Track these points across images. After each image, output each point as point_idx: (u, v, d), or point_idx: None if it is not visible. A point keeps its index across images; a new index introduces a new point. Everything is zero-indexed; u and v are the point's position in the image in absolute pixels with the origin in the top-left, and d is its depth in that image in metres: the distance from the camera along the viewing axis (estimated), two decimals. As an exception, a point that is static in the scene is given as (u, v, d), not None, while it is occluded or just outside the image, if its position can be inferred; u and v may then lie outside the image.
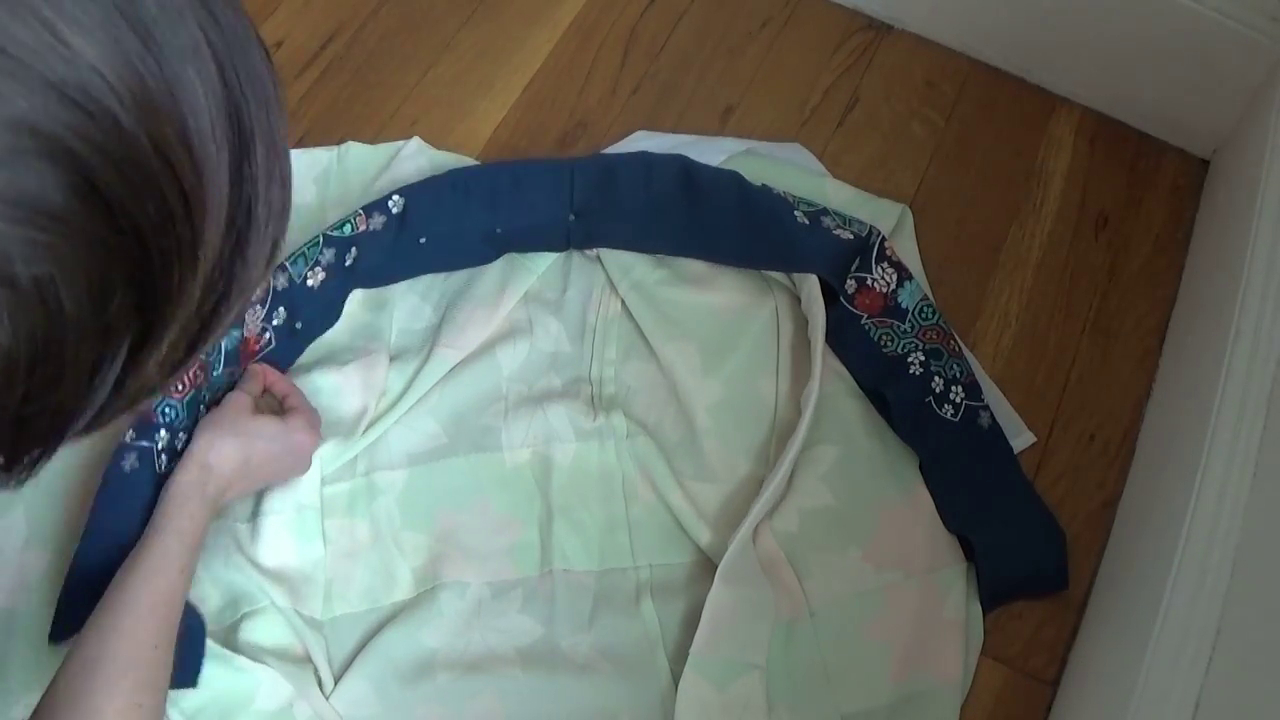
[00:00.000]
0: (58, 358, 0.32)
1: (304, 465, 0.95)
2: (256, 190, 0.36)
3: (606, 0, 1.29)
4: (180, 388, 0.93)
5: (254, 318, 0.98)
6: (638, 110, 1.22)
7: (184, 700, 0.87)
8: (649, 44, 1.27)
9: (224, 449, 0.89)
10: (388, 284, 1.07)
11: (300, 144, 1.17)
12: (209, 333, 0.37)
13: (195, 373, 0.94)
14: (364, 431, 1.00)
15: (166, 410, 0.92)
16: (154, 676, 0.78)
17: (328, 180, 1.14)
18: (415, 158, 1.14)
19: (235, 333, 0.97)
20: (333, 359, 1.03)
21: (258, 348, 0.99)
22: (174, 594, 0.81)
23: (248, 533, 0.95)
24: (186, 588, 0.84)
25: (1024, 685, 0.96)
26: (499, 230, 1.06)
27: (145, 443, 0.91)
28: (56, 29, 0.30)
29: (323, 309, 1.03)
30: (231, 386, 0.96)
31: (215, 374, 0.95)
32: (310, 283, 1.01)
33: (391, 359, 1.04)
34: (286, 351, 1.01)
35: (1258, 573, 0.79)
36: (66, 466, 0.97)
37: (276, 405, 0.97)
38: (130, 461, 0.90)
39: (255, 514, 0.96)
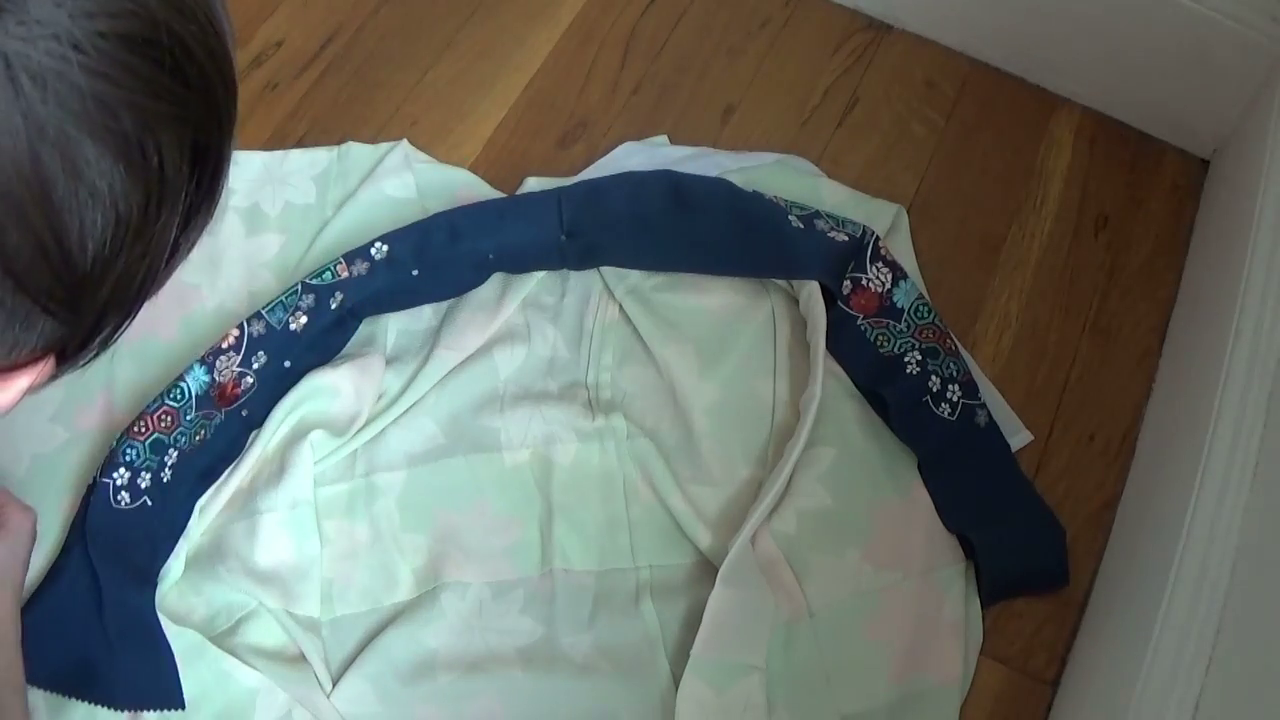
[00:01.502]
0: (156, 220, 0.38)
1: (24, 539, 0.88)
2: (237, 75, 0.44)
3: (606, 0, 1.29)
4: (143, 429, 0.94)
5: (228, 364, 0.98)
6: (638, 110, 1.22)
7: (184, 721, 0.88)
8: (649, 44, 1.27)
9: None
10: (385, 312, 1.06)
11: (300, 144, 1.17)
12: (217, 206, 0.43)
13: (161, 416, 0.95)
14: (360, 430, 1.00)
15: (128, 450, 0.93)
16: None
17: (328, 180, 1.14)
18: (400, 172, 1.13)
19: (204, 377, 0.97)
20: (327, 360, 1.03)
21: (238, 391, 0.98)
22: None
23: (242, 531, 0.95)
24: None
25: (1024, 685, 0.96)
26: (491, 256, 1.05)
27: (104, 479, 0.92)
28: None
29: (311, 346, 1.01)
30: (203, 429, 0.96)
31: (188, 418, 0.96)
32: (293, 327, 1.00)
33: (391, 360, 1.04)
34: (275, 391, 1.00)
35: (1258, 573, 0.79)
36: (66, 466, 0.97)
37: None
38: (94, 499, 0.92)
39: (249, 513, 0.96)
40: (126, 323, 0.41)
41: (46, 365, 0.40)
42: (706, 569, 0.97)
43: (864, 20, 1.29)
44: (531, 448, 1.01)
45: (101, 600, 0.89)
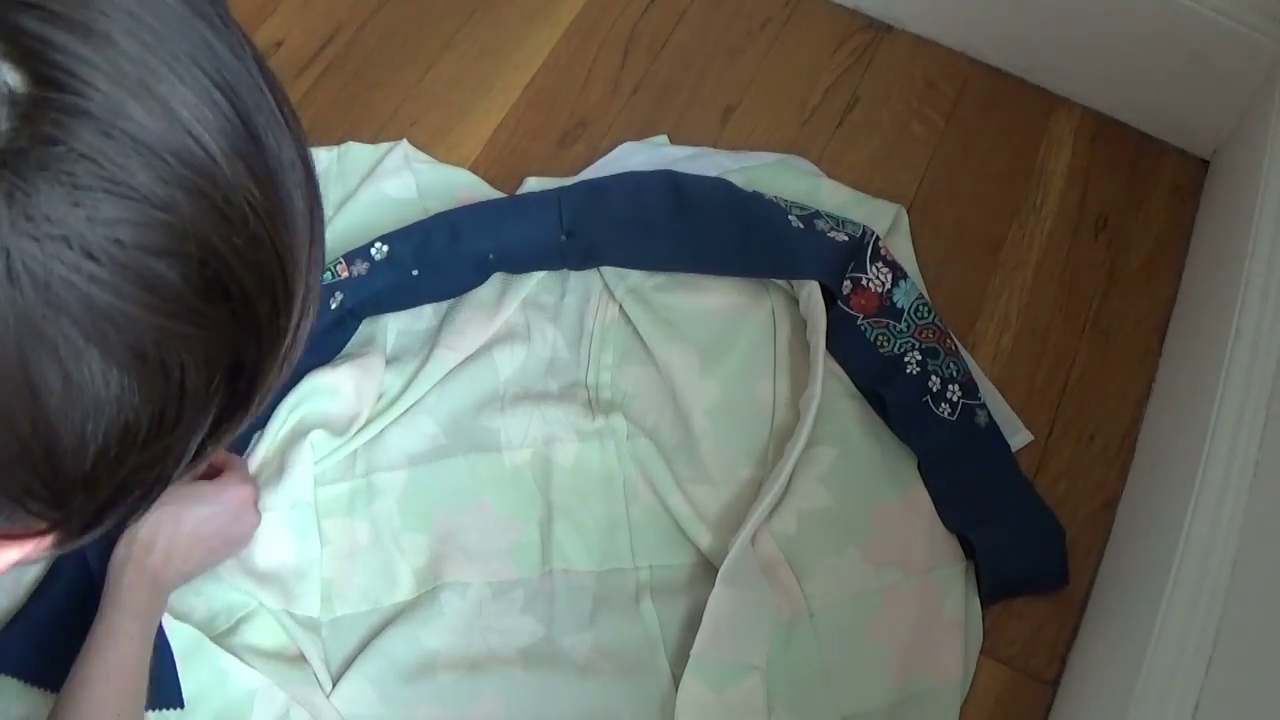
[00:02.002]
0: (171, 431, 0.34)
1: (249, 520, 0.93)
2: (316, 273, 0.39)
3: (606, 0, 1.29)
4: None
5: None
6: (638, 110, 1.22)
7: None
8: (649, 44, 1.27)
9: (152, 518, 0.87)
10: (383, 313, 1.06)
11: (300, 144, 1.17)
12: (263, 405, 0.40)
13: None
14: (360, 430, 1.00)
15: None
16: None
17: (328, 180, 1.14)
18: (400, 172, 1.13)
19: None
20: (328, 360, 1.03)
21: None
22: (127, 664, 0.82)
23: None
24: (142, 654, 0.84)
25: (1024, 685, 0.96)
26: (492, 256, 1.05)
27: None
28: (202, 139, 0.32)
29: (310, 346, 1.01)
30: None
31: None
32: None
33: (391, 360, 1.04)
34: (276, 392, 0.99)
35: (1258, 573, 0.79)
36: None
37: (211, 472, 0.95)
38: None
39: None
40: (133, 519, 0.38)
41: (41, 542, 0.36)
42: (706, 569, 0.97)
43: (864, 20, 1.29)
44: (532, 448, 1.01)
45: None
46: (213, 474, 0.94)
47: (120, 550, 0.86)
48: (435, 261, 1.04)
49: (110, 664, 0.81)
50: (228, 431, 0.38)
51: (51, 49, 0.30)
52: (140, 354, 0.32)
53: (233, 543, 0.93)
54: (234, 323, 0.34)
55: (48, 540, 0.36)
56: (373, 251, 1.03)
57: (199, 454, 0.37)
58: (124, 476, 0.34)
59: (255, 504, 0.94)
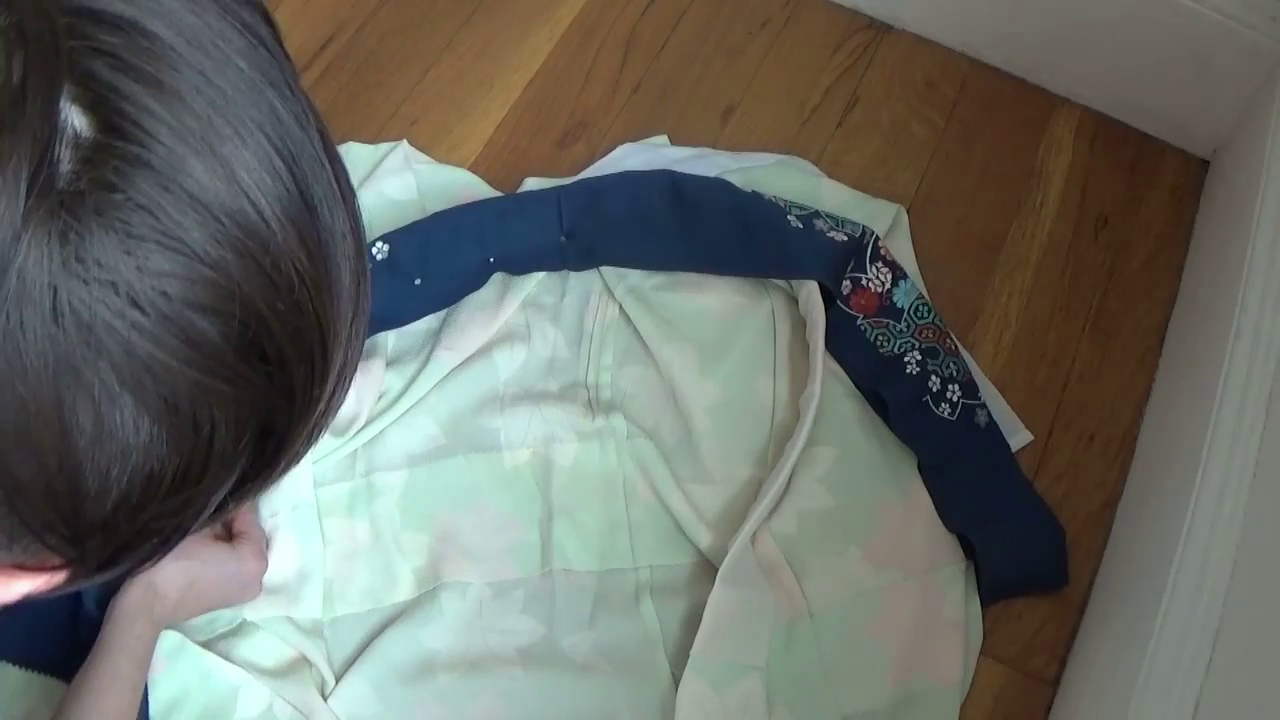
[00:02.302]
0: (194, 485, 0.35)
1: (252, 592, 0.92)
2: (357, 343, 0.40)
3: (606, 0, 1.29)
4: None
5: None
6: (638, 110, 1.22)
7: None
8: (649, 44, 1.27)
9: (169, 571, 0.86)
10: (389, 329, 1.05)
11: (300, 144, 1.17)
12: (293, 464, 0.40)
13: None
14: (360, 431, 1.00)
15: None
16: None
17: (327, 180, 1.14)
18: (400, 173, 1.13)
19: None
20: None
21: None
22: (124, 712, 0.80)
23: (247, 533, 0.95)
24: (136, 703, 0.82)
25: (1024, 685, 0.96)
26: (492, 259, 1.05)
27: None
28: (258, 203, 0.33)
29: None
30: None
31: None
32: None
33: (392, 361, 1.04)
34: None
35: (1258, 573, 0.79)
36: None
37: (224, 531, 0.94)
38: None
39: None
40: (148, 565, 0.38)
41: (54, 578, 0.37)
42: (707, 569, 0.97)
43: (864, 20, 1.29)
44: (531, 448, 1.01)
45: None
46: (226, 534, 0.93)
47: (134, 595, 0.84)
48: (437, 269, 1.04)
49: (109, 712, 0.79)
50: (250, 492, 0.38)
51: (120, 98, 0.31)
52: (173, 406, 0.32)
53: (230, 604, 0.92)
54: (269, 386, 0.35)
55: (61, 576, 0.37)
56: (374, 252, 1.03)
57: (220, 509, 0.37)
58: (143, 524, 0.35)
59: (261, 579, 0.93)
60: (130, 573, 0.38)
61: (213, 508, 0.37)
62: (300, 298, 0.35)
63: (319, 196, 0.35)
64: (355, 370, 0.41)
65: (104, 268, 0.30)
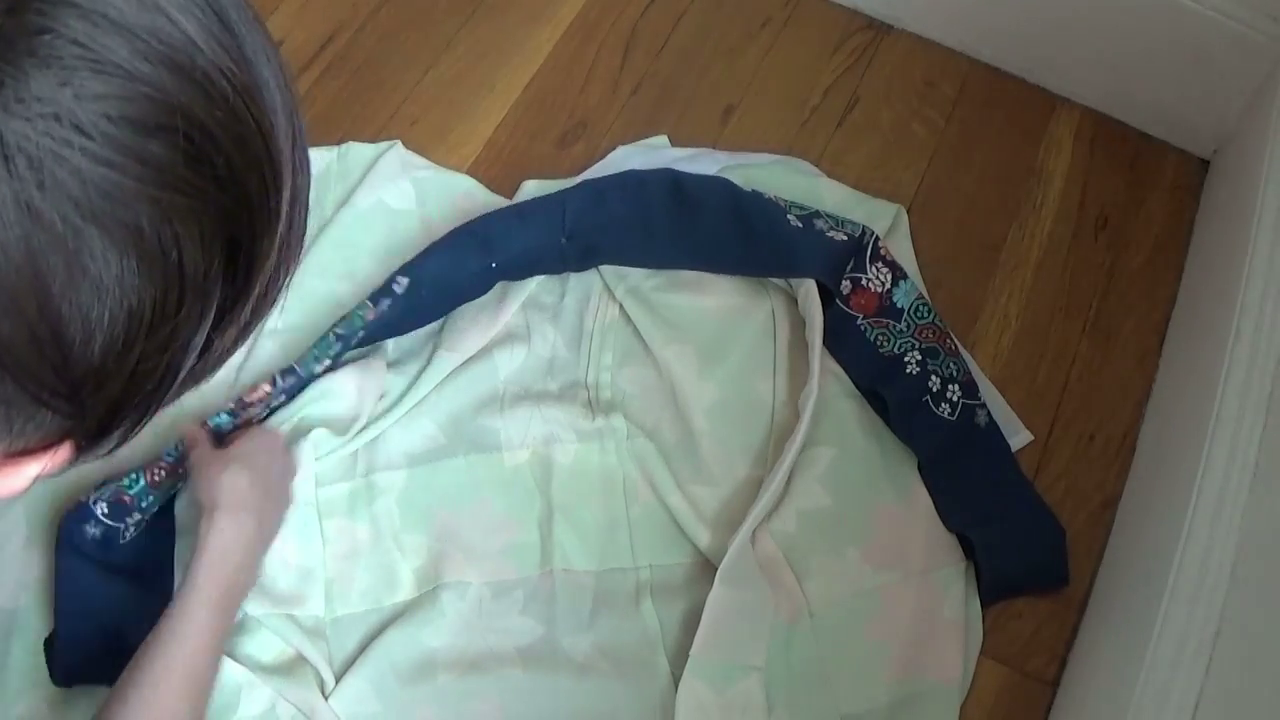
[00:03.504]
0: (174, 315, 0.35)
1: (289, 458, 0.95)
2: (303, 175, 0.41)
3: (606, 0, 1.29)
4: (159, 477, 0.93)
5: (250, 416, 0.98)
6: (638, 110, 1.22)
7: None
8: (649, 44, 1.27)
9: (228, 478, 0.88)
10: (394, 336, 1.05)
11: (300, 144, 1.16)
12: (269, 303, 0.41)
13: (179, 467, 0.94)
14: (361, 431, 1.00)
15: (144, 498, 0.92)
16: None
17: (327, 179, 1.14)
18: (398, 180, 1.13)
19: (229, 424, 0.96)
20: (332, 360, 1.03)
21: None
22: (205, 663, 0.81)
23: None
24: (219, 653, 0.83)
25: (1024, 685, 0.96)
26: (494, 265, 1.05)
27: (114, 523, 0.91)
28: (178, 21, 0.34)
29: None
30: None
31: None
32: (316, 369, 1.00)
33: (393, 363, 1.04)
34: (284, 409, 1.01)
35: (1258, 573, 0.79)
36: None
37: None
38: (95, 533, 0.91)
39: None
40: (146, 418, 0.39)
41: (60, 453, 0.38)
42: (706, 568, 0.97)
43: (864, 20, 1.29)
44: (531, 448, 1.01)
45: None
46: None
47: (218, 534, 0.85)
48: (443, 281, 1.04)
49: (187, 660, 0.80)
50: (232, 323, 0.39)
51: None
52: (137, 231, 0.33)
53: (287, 477, 0.94)
54: (224, 195, 0.35)
55: (65, 451, 0.38)
56: (395, 287, 1.02)
57: (207, 348, 0.38)
58: (134, 367, 0.35)
59: (284, 443, 0.96)
60: (130, 432, 0.39)
61: (198, 345, 0.37)
62: (236, 106, 0.35)
63: (235, 17, 0.37)
64: (308, 201, 0.42)
65: (44, 101, 0.31)
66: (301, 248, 0.41)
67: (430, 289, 1.04)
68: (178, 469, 0.94)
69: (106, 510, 0.91)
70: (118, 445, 0.39)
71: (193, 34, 0.35)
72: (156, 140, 0.33)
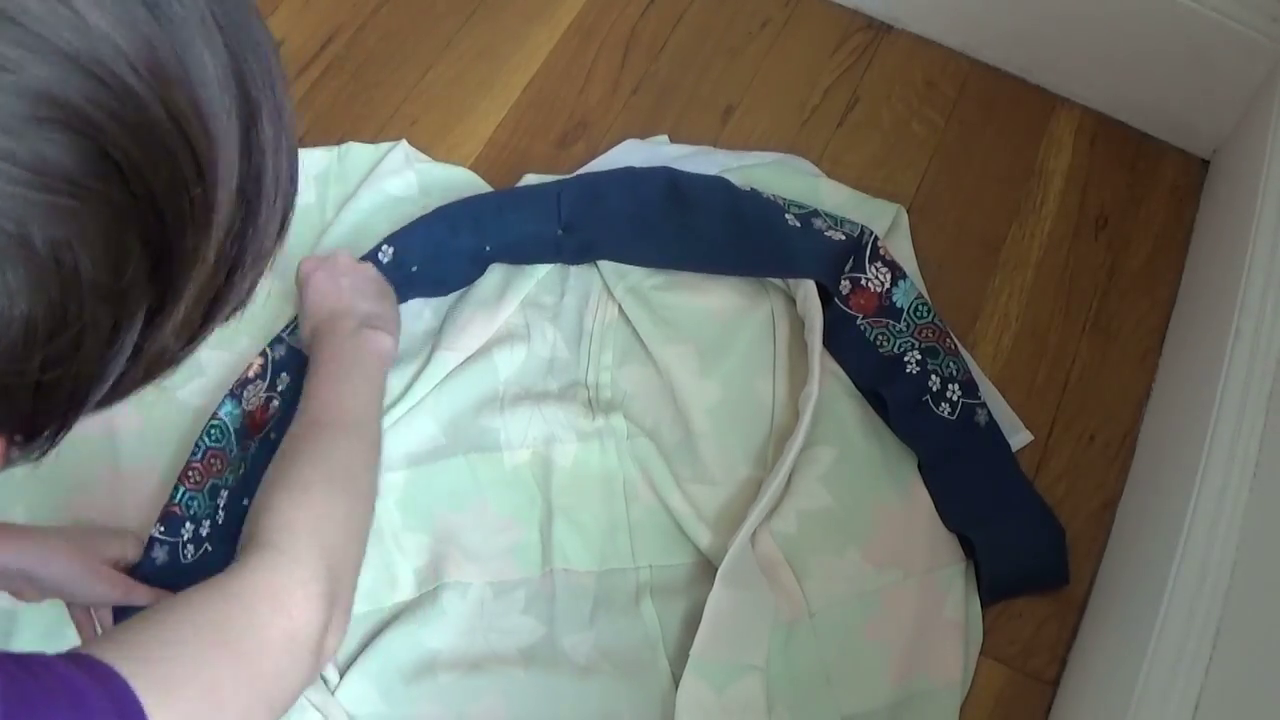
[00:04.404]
0: (76, 322, 0.33)
1: (366, 270, 0.99)
2: (264, 159, 0.37)
3: (606, 0, 1.29)
4: (198, 478, 0.93)
5: (255, 392, 0.98)
6: (638, 110, 1.22)
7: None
8: (649, 44, 1.27)
9: (323, 286, 0.93)
10: None
11: (300, 144, 1.17)
12: (224, 302, 0.38)
13: (211, 460, 0.94)
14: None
15: (190, 503, 0.92)
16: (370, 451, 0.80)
17: (327, 180, 1.14)
18: (401, 171, 1.13)
19: (235, 410, 0.97)
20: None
21: (265, 417, 0.98)
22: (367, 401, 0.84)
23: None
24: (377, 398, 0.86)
25: (1024, 685, 0.96)
26: (488, 248, 1.05)
27: (171, 538, 0.91)
28: (76, 7, 0.31)
29: None
30: (243, 463, 0.96)
31: (232, 455, 0.96)
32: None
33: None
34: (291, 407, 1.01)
35: (1258, 573, 0.79)
36: (68, 463, 0.97)
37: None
38: (160, 556, 0.90)
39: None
40: (72, 420, 0.36)
41: None
42: (707, 569, 0.97)
43: (864, 20, 1.29)
44: (531, 448, 1.01)
45: None
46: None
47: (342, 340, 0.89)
48: (433, 256, 1.04)
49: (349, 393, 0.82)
50: (166, 325, 0.36)
51: None
52: (24, 240, 0.30)
53: (370, 275, 0.98)
54: (126, 197, 0.32)
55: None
56: (380, 256, 1.03)
57: (137, 354, 0.35)
58: (37, 375, 0.33)
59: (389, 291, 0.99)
60: (58, 434, 0.36)
61: (123, 348, 0.35)
62: (142, 97, 0.32)
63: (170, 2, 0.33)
64: (287, 187, 0.38)
65: None
66: (272, 237, 0.38)
67: (421, 264, 1.04)
68: (211, 465, 0.94)
69: (163, 529, 0.90)
70: (50, 447, 0.37)
71: (95, 22, 0.31)
72: (42, 141, 0.30)
